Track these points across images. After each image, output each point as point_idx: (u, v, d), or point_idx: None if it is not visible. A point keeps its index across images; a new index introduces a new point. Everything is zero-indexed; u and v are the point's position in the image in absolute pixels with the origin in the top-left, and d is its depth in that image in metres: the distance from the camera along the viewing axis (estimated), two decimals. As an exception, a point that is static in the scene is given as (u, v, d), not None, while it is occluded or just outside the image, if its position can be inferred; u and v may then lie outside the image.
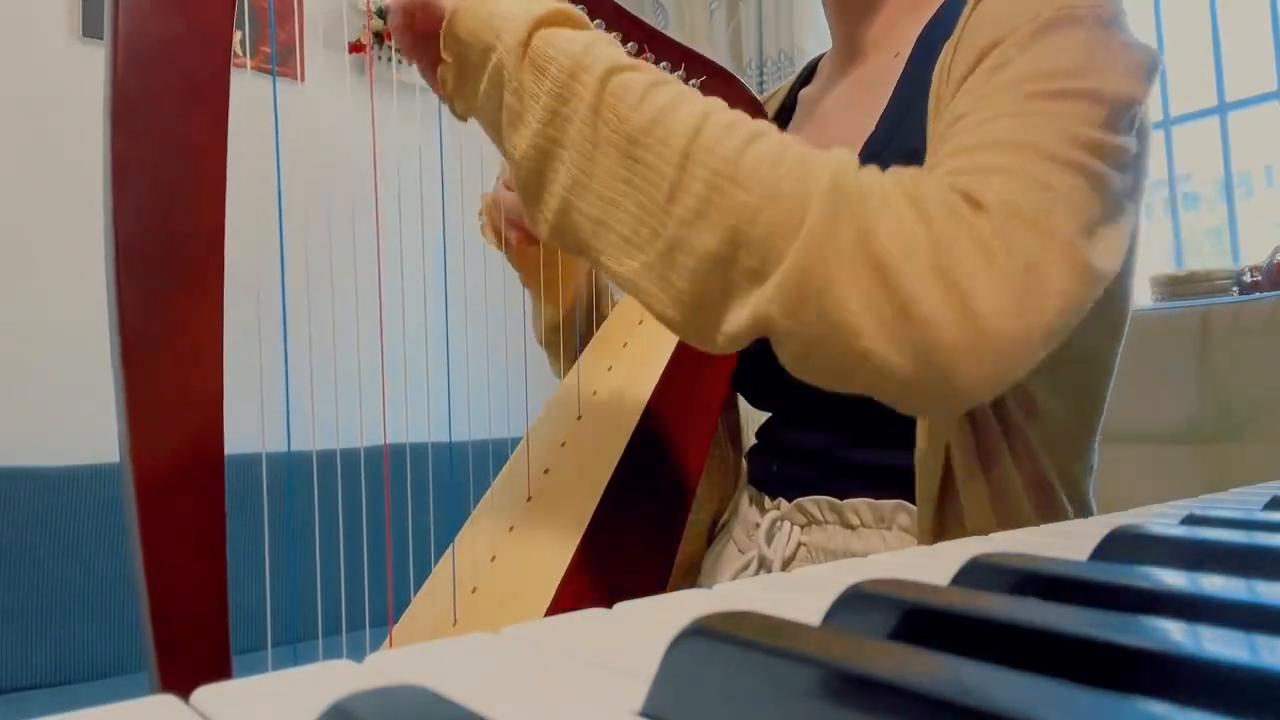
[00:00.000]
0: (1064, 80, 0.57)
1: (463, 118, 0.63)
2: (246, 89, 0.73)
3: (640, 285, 0.55)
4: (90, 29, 2.28)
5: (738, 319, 0.52)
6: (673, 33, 3.16)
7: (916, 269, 0.49)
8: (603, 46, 0.57)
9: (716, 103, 0.56)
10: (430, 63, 0.64)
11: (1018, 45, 0.60)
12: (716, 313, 0.53)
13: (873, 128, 0.77)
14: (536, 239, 0.85)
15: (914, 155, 0.71)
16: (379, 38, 2.64)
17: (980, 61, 0.62)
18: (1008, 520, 0.66)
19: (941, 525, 0.67)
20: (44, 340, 2.17)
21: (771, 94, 1.01)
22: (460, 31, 0.59)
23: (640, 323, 0.86)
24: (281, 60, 2.53)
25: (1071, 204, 0.53)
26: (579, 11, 0.60)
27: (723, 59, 3.02)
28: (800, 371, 0.55)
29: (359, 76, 2.71)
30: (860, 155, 0.77)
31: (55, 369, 2.17)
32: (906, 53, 0.78)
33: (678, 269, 0.53)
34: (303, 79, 2.57)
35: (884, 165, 0.75)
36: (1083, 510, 0.73)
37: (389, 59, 2.68)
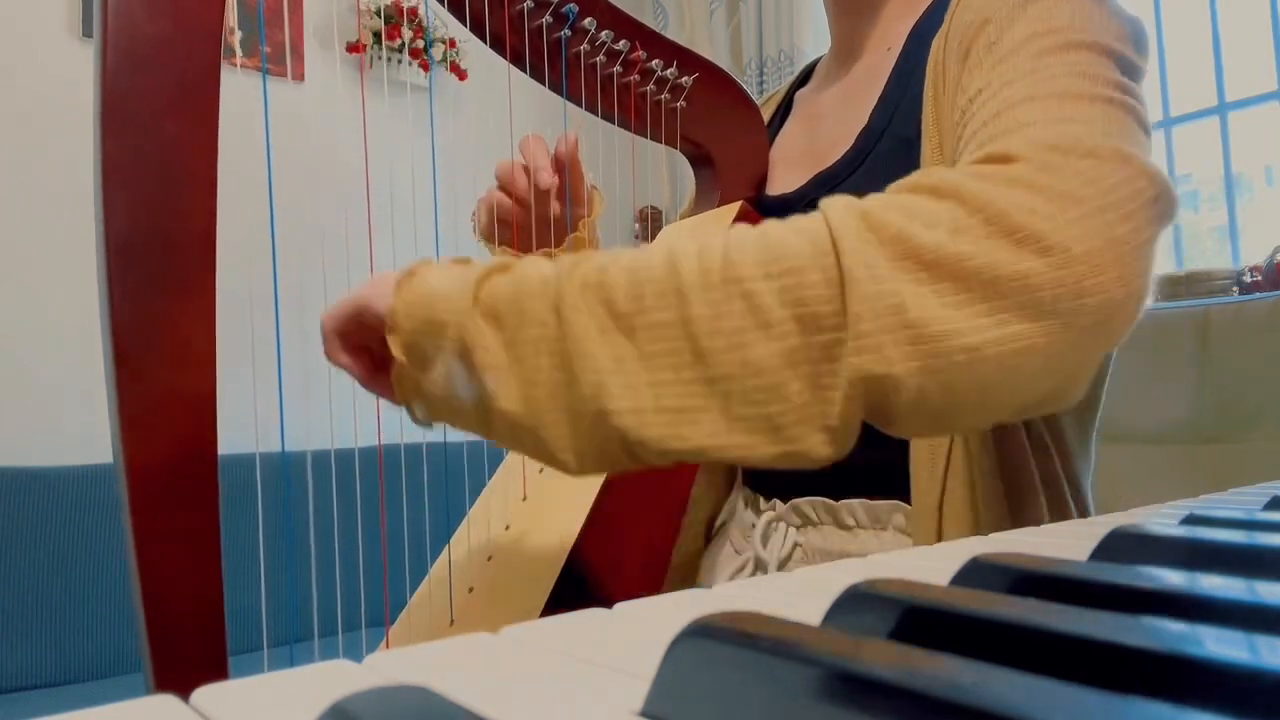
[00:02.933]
0: (1065, 34, 0.56)
1: (427, 423, 0.57)
2: (244, 89, 0.73)
3: (720, 445, 0.47)
4: (90, 29, 2.28)
5: (837, 402, 0.45)
6: (672, 32, 3.17)
7: (975, 242, 0.44)
8: (544, 264, 0.52)
9: (659, 243, 0.52)
10: (368, 372, 0.60)
11: (1010, 15, 0.60)
12: (814, 411, 0.46)
13: (865, 120, 0.77)
14: (530, 245, 0.86)
15: (906, 143, 0.71)
16: (377, 38, 2.64)
17: (975, 40, 0.62)
18: (1020, 523, 0.66)
19: (940, 527, 0.67)
20: (44, 340, 2.17)
21: (769, 96, 1.02)
22: (405, 322, 0.54)
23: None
24: (280, 60, 2.53)
25: (1112, 128, 0.50)
26: (510, 263, 0.54)
27: (723, 59, 3.02)
28: (930, 424, 0.49)
29: (357, 76, 2.71)
30: (854, 147, 0.78)
31: (54, 369, 2.17)
32: (899, 47, 0.78)
33: (750, 398, 0.46)
34: (302, 79, 2.57)
35: (878, 154, 0.75)
36: (1082, 510, 0.73)
37: (387, 59, 2.68)
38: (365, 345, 0.60)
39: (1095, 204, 0.45)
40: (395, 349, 0.54)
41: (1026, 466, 0.67)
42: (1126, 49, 0.58)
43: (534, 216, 0.83)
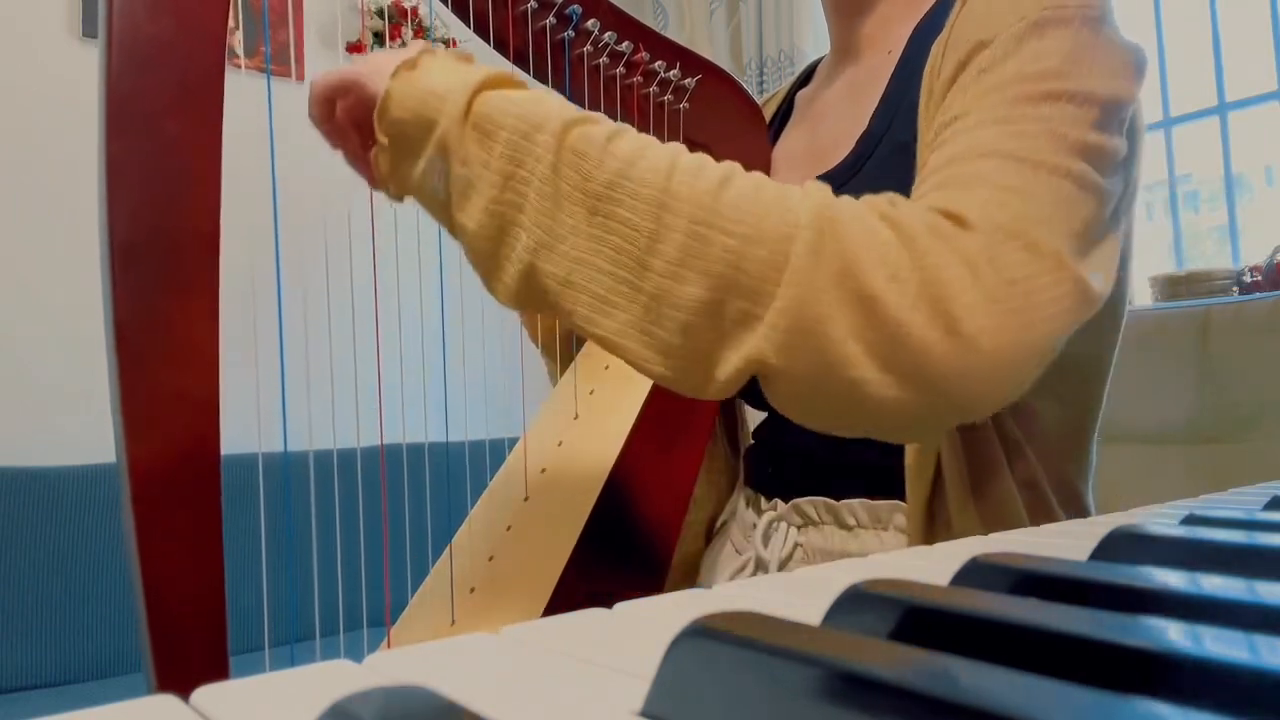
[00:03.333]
0: (1052, 81, 0.57)
1: (398, 198, 0.60)
2: (245, 89, 0.73)
3: (621, 343, 0.52)
4: (90, 29, 2.28)
5: (731, 364, 0.51)
6: (672, 32, 3.16)
7: (903, 296, 0.48)
8: (551, 102, 0.55)
9: (678, 147, 0.54)
10: (355, 149, 0.62)
11: (1005, 47, 0.60)
12: (708, 361, 0.52)
13: (866, 123, 0.77)
14: None
15: (906, 149, 0.71)
16: (378, 38, 2.64)
17: (969, 60, 0.62)
18: (997, 522, 0.66)
19: (932, 528, 0.67)
20: (44, 340, 2.17)
21: (769, 97, 1.02)
22: (395, 110, 0.56)
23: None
24: (281, 60, 2.53)
25: (1060, 213, 0.53)
26: (514, 76, 0.58)
27: (723, 59, 3.02)
28: (795, 413, 0.54)
29: (358, 76, 2.71)
30: (854, 150, 0.78)
31: (54, 369, 2.17)
32: (900, 50, 0.78)
33: (663, 322, 0.51)
34: (301, 79, 2.57)
35: (878, 158, 0.75)
36: (1080, 511, 0.73)
37: (388, 59, 2.68)
38: (355, 122, 0.62)
39: (1017, 304, 0.49)
40: (380, 133, 0.56)
41: (1000, 469, 0.67)
42: (1120, 86, 0.59)
43: None
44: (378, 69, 0.58)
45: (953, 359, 0.48)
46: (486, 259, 0.55)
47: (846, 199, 0.53)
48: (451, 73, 0.56)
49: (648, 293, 0.51)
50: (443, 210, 0.57)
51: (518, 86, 0.57)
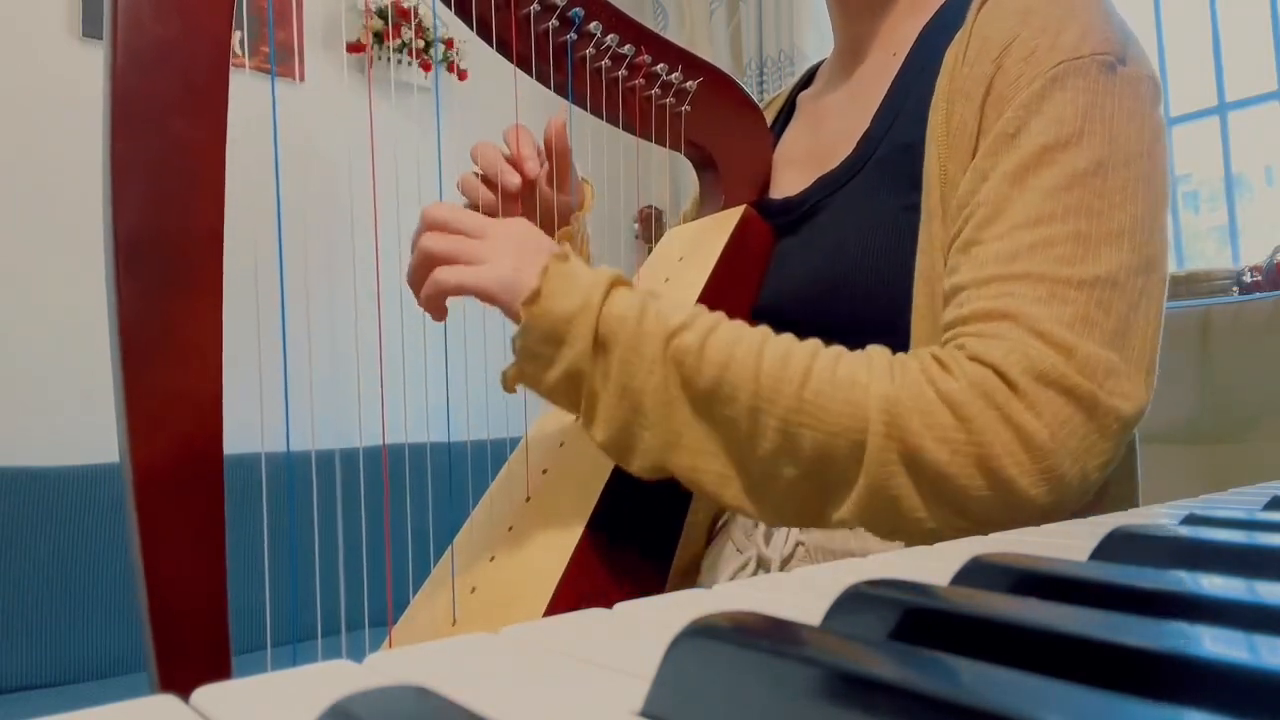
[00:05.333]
0: (1074, 155, 0.61)
1: (513, 390, 0.68)
2: (246, 89, 0.73)
3: (743, 506, 0.63)
4: (90, 29, 2.28)
5: (831, 518, 0.61)
6: (672, 33, 3.16)
7: (963, 468, 0.56)
8: (655, 310, 0.63)
9: (764, 338, 0.63)
10: (439, 312, 0.70)
11: (1027, 106, 0.64)
12: (814, 515, 0.62)
13: (868, 124, 0.77)
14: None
15: (907, 150, 0.71)
16: (378, 38, 2.64)
17: (990, 101, 0.66)
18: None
19: None
20: (43, 340, 2.17)
21: (772, 99, 1.02)
22: (529, 340, 0.64)
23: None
24: (281, 60, 2.53)
25: (1094, 328, 0.58)
26: (623, 275, 0.66)
27: (723, 59, 3.02)
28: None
29: (358, 76, 2.71)
30: (855, 151, 0.77)
31: (55, 369, 2.17)
32: (905, 51, 0.78)
33: (770, 493, 0.62)
34: (302, 79, 2.57)
35: (879, 159, 0.75)
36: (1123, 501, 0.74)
37: (388, 59, 2.68)
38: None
39: (1058, 455, 0.56)
40: (514, 350, 0.66)
41: None
42: (1139, 126, 0.63)
43: (521, 207, 0.83)
44: (504, 285, 0.65)
45: (1013, 510, 0.57)
46: (617, 456, 0.66)
47: (907, 365, 0.60)
48: (576, 293, 0.63)
49: (755, 474, 0.62)
50: (571, 409, 0.67)
51: (627, 287, 0.66)
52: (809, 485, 0.61)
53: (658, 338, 0.62)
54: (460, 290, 0.67)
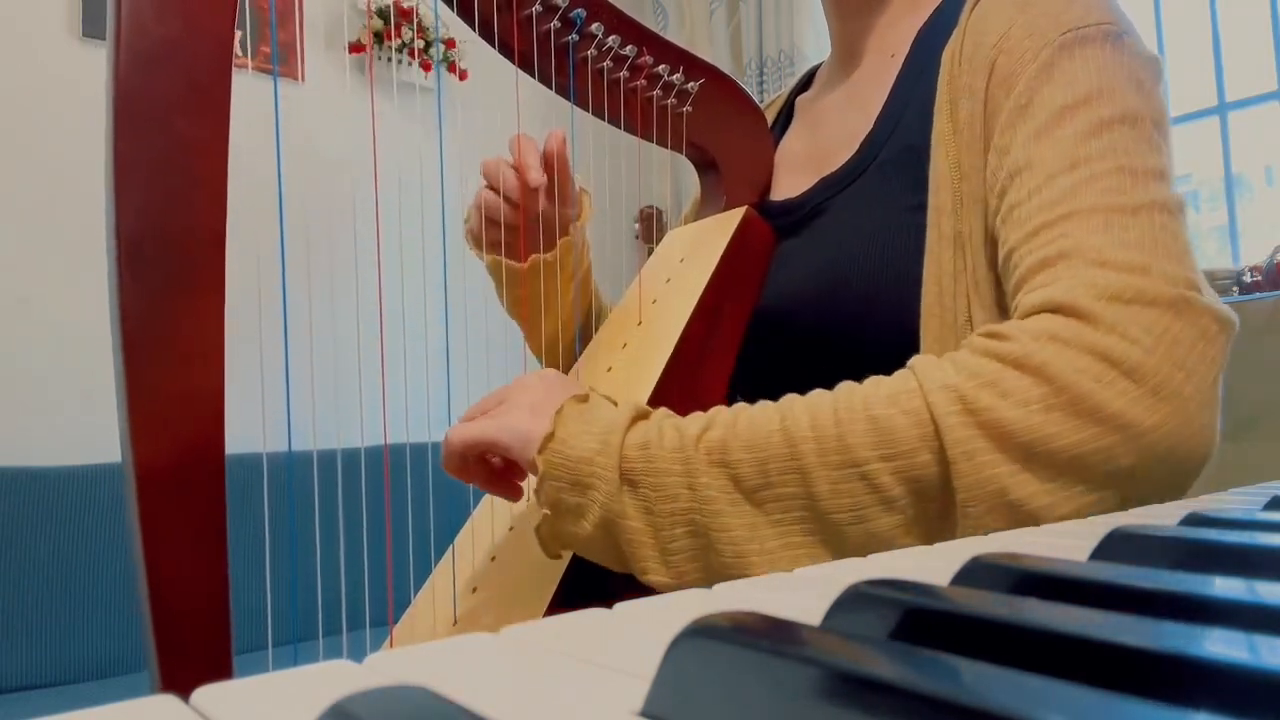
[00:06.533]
0: (1096, 106, 0.59)
1: (556, 554, 0.64)
2: (247, 89, 0.73)
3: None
4: (90, 29, 2.28)
5: (964, 530, 0.52)
6: (672, 33, 3.16)
7: (1063, 426, 0.48)
8: (668, 427, 0.58)
9: (788, 401, 0.57)
10: (486, 480, 0.67)
11: (1038, 76, 0.62)
12: (948, 533, 0.53)
13: (870, 126, 0.77)
14: (519, 249, 0.86)
15: (911, 151, 0.72)
16: (379, 38, 2.64)
17: (994, 82, 0.64)
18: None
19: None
20: (44, 340, 2.17)
21: (770, 101, 1.02)
22: (549, 489, 0.60)
23: (639, 324, 0.85)
24: (282, 60, 2.53)
25: (1161, 249, 0.53)
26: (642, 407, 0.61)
27: (723, 59, 3.02)
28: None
29: (359, 76, 2.71)
30: (857, 153, 0.78)
31: (55, 369, 2.17)
32: (903, 53, 0.78)
33: (863, 547, 0.53)
34: (303, 79, 2.57)
35: (882, 161, 0.75)
36: None
37: (389, 59, 2.68)
38: (490, 477, 0.66)
39: (1164, 370, 0.49)
40: (540, 505, 0.61)
41: None
42: (1150, 96, 0.61)
43: (523, 217, 0.83)
44: (516, 433, 0.61)
45: (1134, 447, 0.48)
46: (674, 572, 0.58)
47: (957, 364, 0.53)
48: (593, 434, 0.59)
49: (846, 539, 0.53)
50: (619, 566, 0.60)
51: (646, 420, 0.60)
52: (906, 525, 0.52)
53: (684, 449, 0.57)
54: (467, 445, 0.63)
